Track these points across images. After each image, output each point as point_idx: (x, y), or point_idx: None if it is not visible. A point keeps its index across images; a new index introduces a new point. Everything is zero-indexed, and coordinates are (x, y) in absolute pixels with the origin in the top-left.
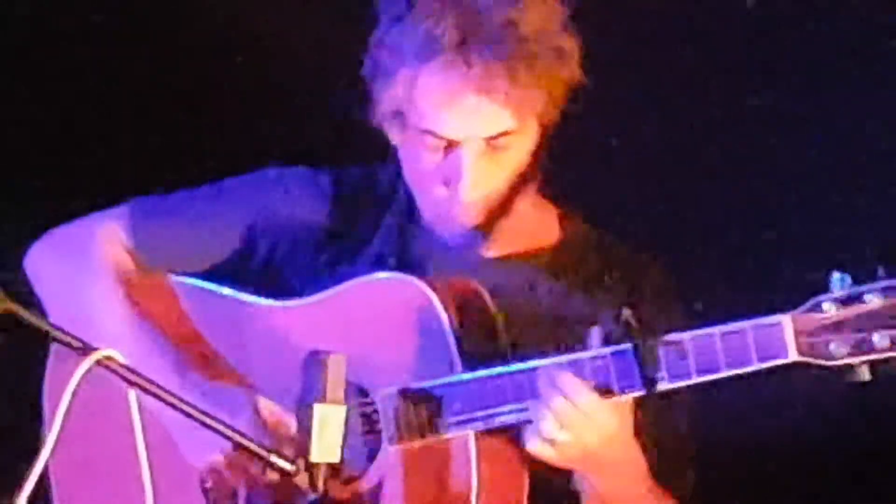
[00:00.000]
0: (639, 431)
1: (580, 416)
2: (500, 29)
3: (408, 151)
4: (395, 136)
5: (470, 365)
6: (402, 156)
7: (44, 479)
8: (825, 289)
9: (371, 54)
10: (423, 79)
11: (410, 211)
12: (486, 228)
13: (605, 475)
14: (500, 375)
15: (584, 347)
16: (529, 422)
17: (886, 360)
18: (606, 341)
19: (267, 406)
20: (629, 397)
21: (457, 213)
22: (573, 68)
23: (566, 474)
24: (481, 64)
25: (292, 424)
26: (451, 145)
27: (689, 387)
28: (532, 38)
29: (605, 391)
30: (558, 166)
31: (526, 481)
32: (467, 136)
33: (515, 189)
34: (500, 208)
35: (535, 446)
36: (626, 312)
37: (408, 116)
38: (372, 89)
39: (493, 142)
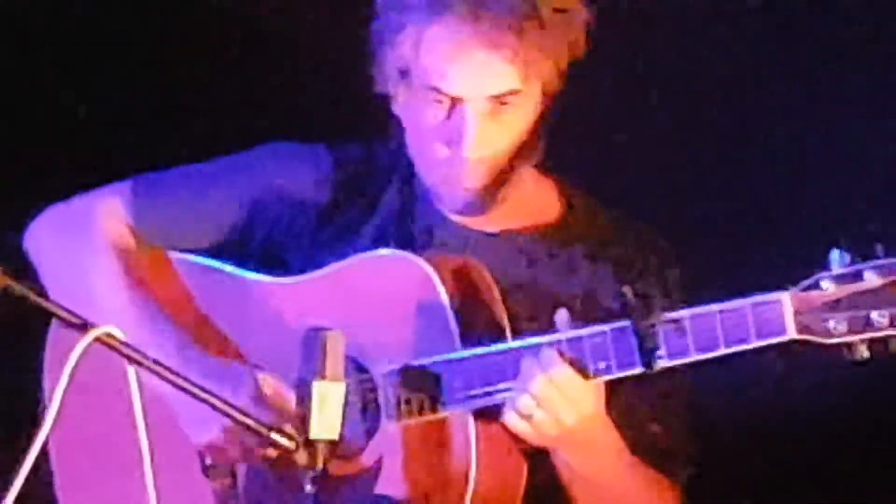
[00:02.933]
0: (634, 412)
1: (557, 395)
2: None
3: (412, 112)
4: (399, 97)
5: (469, 342)
6: (406, 118)
7: (44, 455)
8: (824, 266)
9: (378, 17)
10: (431, 33)
11: (411, 187)
12: (488, 194)
13: (580, 453)
14: (499, 353)
15: (554, 329)
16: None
17: (885, 338)
18: (594, 319)
19: (267, 380)
20: (610, 378)
21: (459, 174)
22: (579, 35)
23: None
24: (491, 19)
25: (292, 398)
26: (455, 103)
27: (689, 365)
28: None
29: (584, 370)
30: (561, 144)
31: (524, 461)
32: (472, 93)
33: (517, 155)
34: (502, 174)
35: (511, 420)
36: (626, 290)
37: (413, 74)
38: (378, 54)
39: (497, 101)
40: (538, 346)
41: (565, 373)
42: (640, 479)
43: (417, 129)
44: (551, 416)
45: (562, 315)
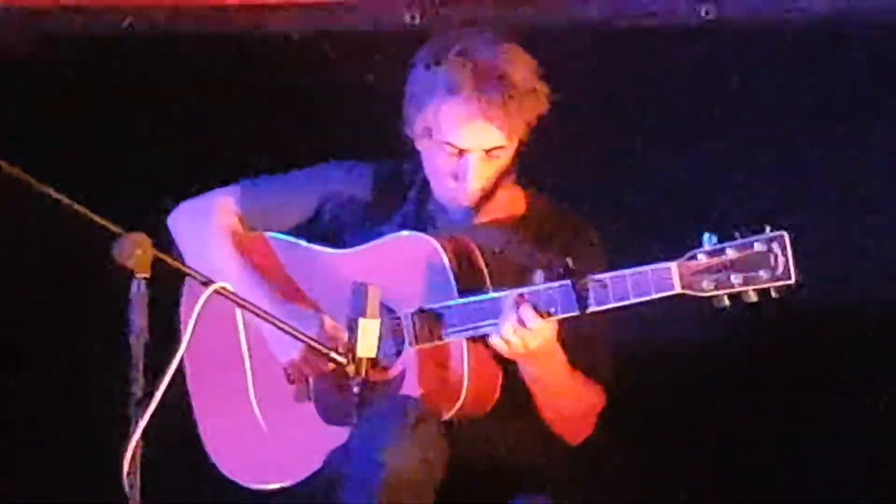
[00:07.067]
0: (574, 339)
1: (526, 329)
2: (499, 78)
3: (431, 156)
4: (422, 145)
5: (463, 293)
6: (426, 158)
7: (180, 373)
8: (700, 245)
9: (409, 91)
10: (447, 107)
11: (426, 192)
12: (477, 207)
13: (538, 365)
14: (483, 301)
15: (532, 283)
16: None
17: (739, 293)
18: (550, 279)
19: (328, 321)
20: (567, 316)
21: (461, 197)
22: (543, 104)
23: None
24: (487, 99)
25: (344, 333)
26: (461, 153)
27: (614, 310)
28: (519, 85)
29: (548, 313)
30: (525, 162)
31: (500, 374)
32: (473, 147)
33: (499, 182)
34: (488, 195)
35: (495, 342)
36: (569, 260)
37: (433, 132)
38: (408, 113)
39: (489, 152)
40: (510, 296)
41: (532, 315)
42: (577, 381)
43: (434, 166)
44: (522, 342)
45: (538, 274)
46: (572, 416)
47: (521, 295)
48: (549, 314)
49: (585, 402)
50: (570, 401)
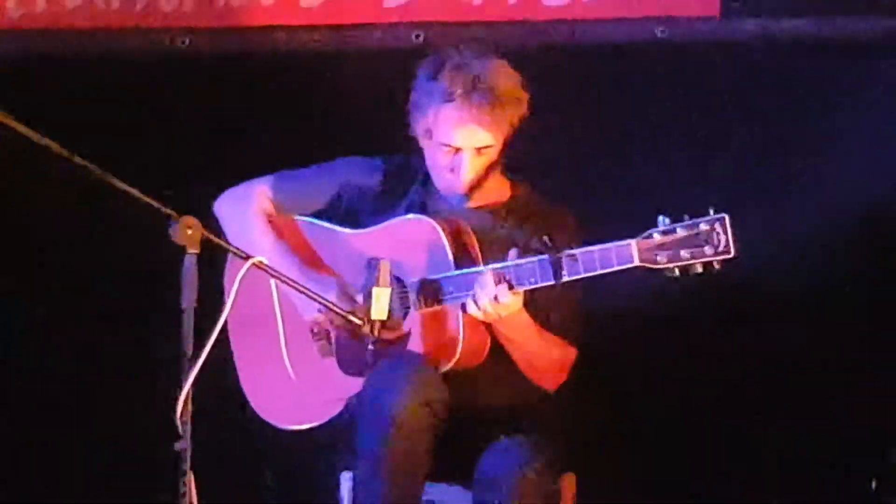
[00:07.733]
0: (549, 303)
1: (496, 301)
2: (487, 88)
3: (431, 153)
4: (424, 144)
5: (458, 266)
6: (427, 154)
7: (224, 334)
8: (655, 225)
9: (413, 98)
10: (443, 113)
11: (428, 182)
12: (469, 194)
13: (508, 327)
14: (474, 273)
15: (508, 259)
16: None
17: (687, 266)
18: (525, 255)
19: (348, 287)
20: (536, 287)
21: (456, 187)
22: (524, 110)
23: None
24: (476, 105)
25: (360, 297)
26: (456, 151)
27: (586, 280)
28: (504, 94)
29: (510, 286)
30: (512, 157)
31: (489, 335)
32: (466, 146)
33: (487, 173)
34: (479, 184)
35: (472, 310)
36: (546, 238)
37: (433, 133)
38: (412, 117)
39: (479, 150)
40: (494, 270)
41: (503, 289)
42: (545, 339)
43: (433, 161)
44: (495, 310)
45: (512, 252)
46: (544, 368)
47: (497, 272)
48: (519, 285)
49: (554, 356)
50: (539, 355)
